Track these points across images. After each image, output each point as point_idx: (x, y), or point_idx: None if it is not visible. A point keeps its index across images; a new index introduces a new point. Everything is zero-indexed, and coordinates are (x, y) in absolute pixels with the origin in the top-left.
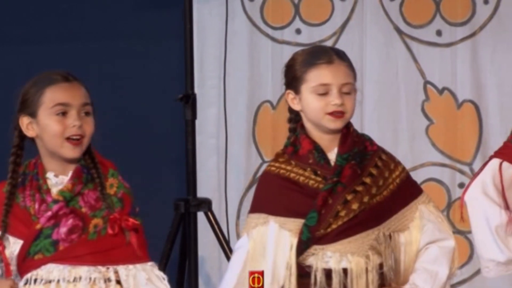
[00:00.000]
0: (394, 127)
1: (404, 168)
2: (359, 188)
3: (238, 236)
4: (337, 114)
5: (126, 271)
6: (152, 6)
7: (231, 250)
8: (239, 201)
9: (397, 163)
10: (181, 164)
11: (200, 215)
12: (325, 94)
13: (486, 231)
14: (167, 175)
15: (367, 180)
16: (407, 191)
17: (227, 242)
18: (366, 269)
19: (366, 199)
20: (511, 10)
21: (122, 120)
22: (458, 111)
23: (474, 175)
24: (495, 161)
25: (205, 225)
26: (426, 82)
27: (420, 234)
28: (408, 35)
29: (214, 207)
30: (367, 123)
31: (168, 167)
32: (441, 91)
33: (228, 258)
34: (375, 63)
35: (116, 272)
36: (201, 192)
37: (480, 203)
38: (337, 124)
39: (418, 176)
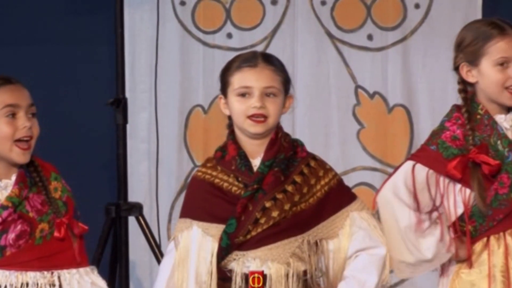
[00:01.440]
0: (326, 131)
1: (335, 175)
2: (280, 196)
3: None
4: (258, 117)
5: (70, 275)
6: (83, 10)
7: (162, 255)
8: (171, 205)
9: (328, 170)
10: (112, 168)
11: (131, 220)
12: (247, 97)
13: (395, 233)
14: (98, 180)
15: (289, 187)
16: (338, 198)
17: (158, 247)
18: (287, 276)
19: (287, 206)
20: (442, 14)
21: (53, 124)
22: (389, 115)
23: (388, 176)
24: (409, 163)
25: (136, 229)
26: (357, 87)
27: (349, 242)
28: (339, 39)
29: (145, 211)
30: (299, 128)
31: (99, 172)
32: (372, 95)
33: (159, 263)
34: (306, 68)
35: (60, 277)
36: (132, 197)
37: (391, 204)
38: (258, 128)
39: (349, 180)
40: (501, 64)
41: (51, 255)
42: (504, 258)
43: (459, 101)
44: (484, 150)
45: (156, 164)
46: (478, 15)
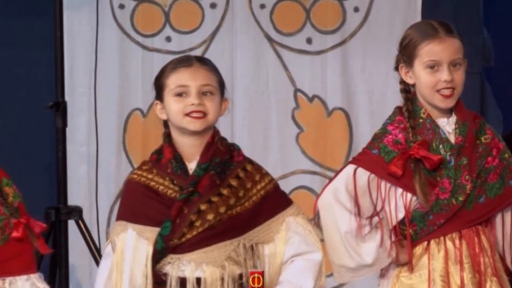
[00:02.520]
0: (265, 134)
1: (271, 180)
2: (215, 199)
3: None
4: (196, 114)
5: (21, 282)
6: (22, 13)
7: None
8: (109, 209)
9: (264, 175)
10: (52, 172)
11: (71, 223)
12: (184, 96)
13: (336, 237)
14: (38, 183)
15: (225, 191)
16: (274, 203)
17: (98, 250)
18: (222, 279)
19: (222, 209)
20: (381, 18)
21: None
22: (328, 118)
23: (329, 180)
24: (350, 167)
25: (76, 233)
26: (296, 90)
27: (285, 247)
28: (278, 43)
29: (85, 215)
30: (238, 131)
31: (38, 175)
32: (311, 99)
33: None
34: (246, 71)
35: (11, 284)
36: (72, 200)
37: (331, 209)
38: (197, 125)
39: (288, 184)
40: (431, 67)
41: (3, 261)
42: (444, 262)
43: (398, 104)
44: (425, 145)
45: (95, 167)
46: (418, 19)
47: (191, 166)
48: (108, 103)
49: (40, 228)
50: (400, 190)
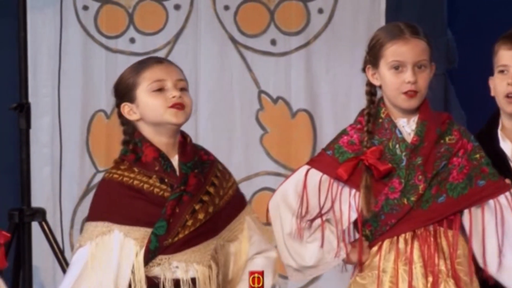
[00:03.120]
0: (229, 136)
1: (234, 180)
2: (205, 198)
3: (72, 246)
4: (178, 106)
5: None
6: None
7: (65, 260)
8: (73, 210)
9: (230, 174)
10: (15, 173)
11: (35, 225)
12: (162, 90)
13: (280, 238)
14: (1, 185)
15: (211, 189)
16: (237, 202)
17: (62, 252)
18: (210, 278)
19: (211, 209)
20: (345, 19)
21: None
22: (292, 120)
23: (282, 181)
24: (304, 168)
25: (40, 234)
26: (261, 91)
27: (249, 245)
28: (242, 44)
29: (49, 216)
30: (202, 132)
31: (1, 177)
32: (275, 100)
33: (63, 268)
34: (210, 72)
35: None
36: (36, 202)
37: (278, 210)
38: (179, 117)
39: (252, 185)
40: (396, 68)
41: None
42: (393, 262)
43: (362, 106)
44: (376, 153)
45: (59, 169)
46: (382, 20)
47: (173, 164)
48: (72, 104)
49: (4, 238)
50: (353, 191)
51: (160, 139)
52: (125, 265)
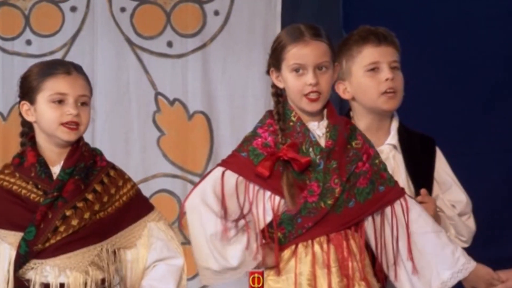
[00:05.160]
0: (126, 138)
1: (134, 185)
2: (80, 204)
3: None
4: (71, 125)
5: None
6: None
7: None
8: None
9: (127, 180)
10: None
11: None
12: (61, 103)
13: (202, 239)
14: None
15: (90, 196)
16: (136, 208)
17: None
18: (85, 284)
19: (87, 215)
20: (241, 21)
21: None
22: (189, 122)
23: (198, 182)
24: (219, 170)
25: None
26: (157, 93)
27: (148, 252)
28: (139, 46)
29: None
30: (99, 135)
31: None
32: (172, 102)
33: None
34: (107, 74)
35: None
36: None
37: (198, 211)
38: (71, 136)
39: (149, 187)
40: (297, 71)
41: None
42: (311, 266)
43: (259, 108)
44: (294, 147)
45: None
46: (277, 22)
47: (55, 170)
48: None
49: None
50: (268, 193)
51: (49, 146)
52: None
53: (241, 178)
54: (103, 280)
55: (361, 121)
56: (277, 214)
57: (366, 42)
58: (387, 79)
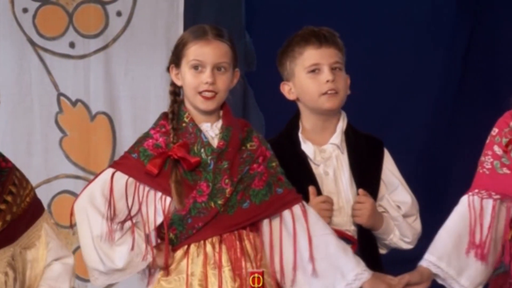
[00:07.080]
0: (28, 139)
1: (32, 186)
2: (3, 207)
3: None
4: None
5: None
6: None
7: None
8: None
9: (27, 181)
10: None
11: None
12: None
13: (89, 241)
14: None
15: (9, 198)
16: (34, 209)
17: None
18: (6, 284)
19: (8, 217)
20: (144, 22)
21: None
22: (91, 123)
23: (87, 183)
24: (109, 171)
25: None
26: (60, 94)
27: (47, 251)
28: (41, 47)
29: None
30: (1, 135)
31: None
32: (74, 103)
33: None
34: (8, 75)
35: None
36: None
37: (85, 212)
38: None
39: (52, 188)
40: (195, 68)
41: None
42: (202, 266)
43: (161, 108)
44: (184, 147)
45: None
46: (180, 23)
47: None
48: None
49: None
50: (159, 194)
51: None
52: None
53: (131, 179)
54: (15, 280)
55: (307, 121)
56: (168, 214)
57: (307, 44)
58: (327, 81)
